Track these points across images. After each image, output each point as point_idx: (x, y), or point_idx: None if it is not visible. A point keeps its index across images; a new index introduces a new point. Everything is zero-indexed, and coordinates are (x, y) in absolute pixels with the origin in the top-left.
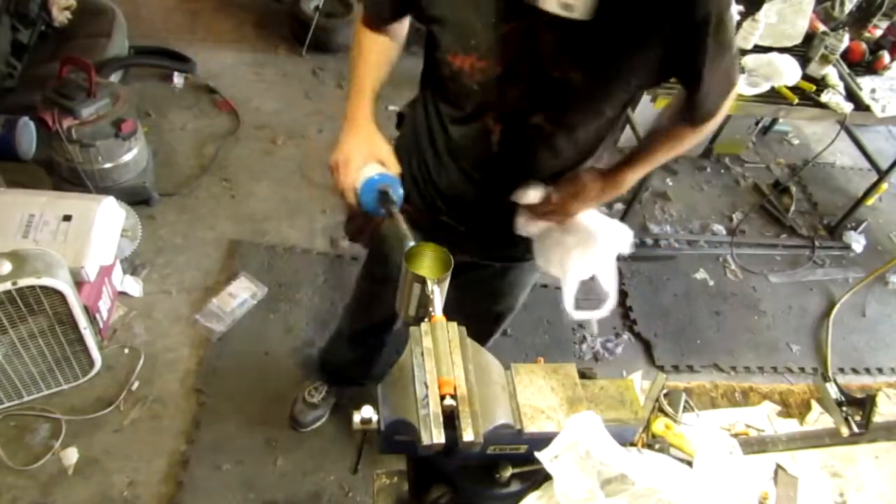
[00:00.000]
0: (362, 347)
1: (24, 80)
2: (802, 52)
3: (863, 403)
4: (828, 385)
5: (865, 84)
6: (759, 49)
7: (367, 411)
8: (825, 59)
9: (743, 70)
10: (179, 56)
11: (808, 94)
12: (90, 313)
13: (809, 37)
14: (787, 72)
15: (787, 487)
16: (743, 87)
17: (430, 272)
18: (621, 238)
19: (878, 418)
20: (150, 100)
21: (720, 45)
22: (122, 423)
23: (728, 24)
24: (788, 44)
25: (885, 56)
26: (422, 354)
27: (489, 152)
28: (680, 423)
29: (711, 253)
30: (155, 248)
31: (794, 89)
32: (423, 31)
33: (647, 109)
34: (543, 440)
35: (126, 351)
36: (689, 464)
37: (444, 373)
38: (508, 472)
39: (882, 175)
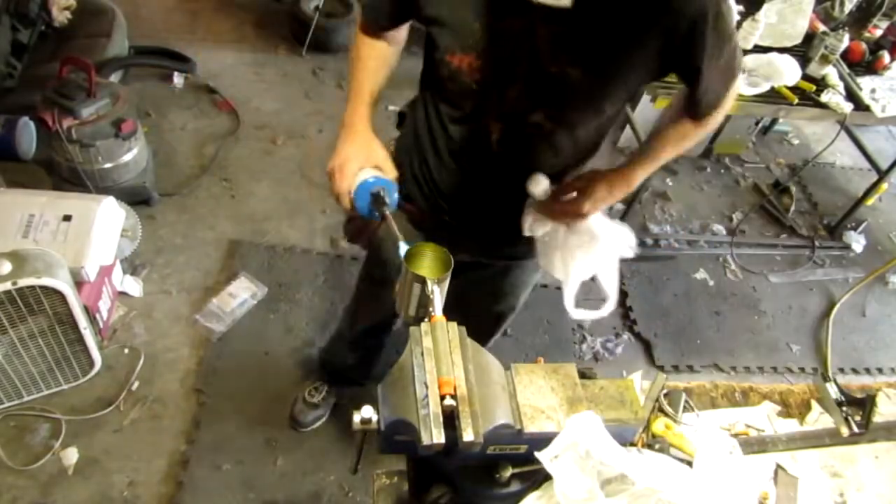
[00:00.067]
0: (362, 349)
1: (24, 80)
2: (802, 52)
3: (863, 403)
4: (828, 385)
5: (865, 84)
6: (759, 49)
7: (367, 411)
8: (825, 59)
9: (743, 70)
10: (179, 56)
11: (808, 94)
12: (90, 313)
13: (809, 37)
14: (787, 72)
15: (787, 487)
16: (743, 87)
17: (430, 272)
18: (624, 241)
19: (878, 418)
20: (150, 100)
21: (719, 37)
22: (122, 423)
23: (727, 15)
24: (788, 44)
25: (885, 56)
26: (422, 354)
27: (489, 152)
28: (680, 423)
29: (711, 253)
30: (155, 248)
31: (794, 89)
32: (424, 32)
33: (648, 109)
34: (543, 440)
35: (126, 351)
36: (689, 464)
37: (444, 373)
38: (508, 472)
39: (882, 175)
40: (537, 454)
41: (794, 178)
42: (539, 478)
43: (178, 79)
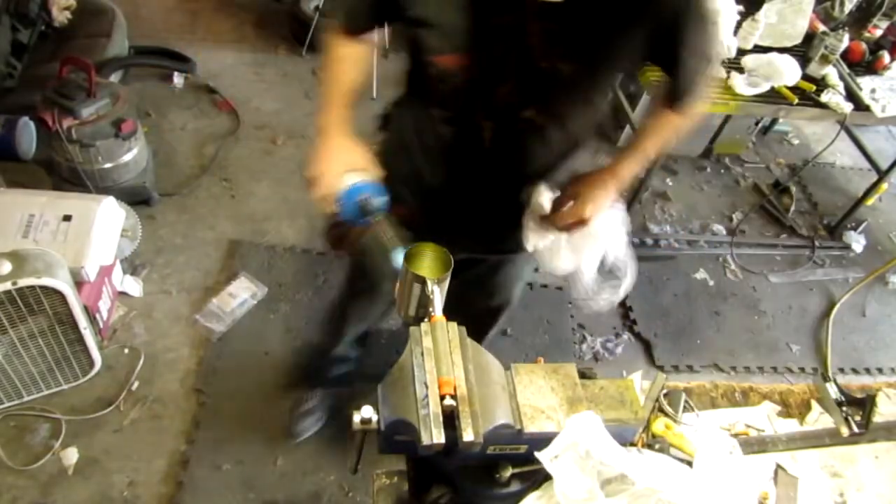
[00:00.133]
0: (348, 361)
1: (24, 80)
2: (802, 52)
3: (863, 403)
4: (828, 385)
5: (865, 84)
6: (759, 49)
7: (367, 411)
8: (825, 59)
9: (742, 70)
10: (179, 56)
11: (808, 94)
12: (90, 313)
13: (809, 37)
14: (787, 72)
15: (787, 487)
16: (743, 87)
17: (430, 272)
18: (617, 219)
19: (878, 418)
20: (150, 100)
21: (700, 23)
22: (122, 423)
23: (707, 2)
24: (788, 44)
25: (885, 56)
26: (422, 354)
27: (482, 149)
28: (680, 423)
29: (711, 253)
30: (155, 248)
31: (794, 89)
32: (405, 34)
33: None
34: (543, 440)
35: (126, 351)
36: (689, 464)
37: (444, 373)
38: (508, 472)
39: (882, 175)
40: (537, 454)
41: (794, 178)
42: (539, 478)
43: (178, 79)
